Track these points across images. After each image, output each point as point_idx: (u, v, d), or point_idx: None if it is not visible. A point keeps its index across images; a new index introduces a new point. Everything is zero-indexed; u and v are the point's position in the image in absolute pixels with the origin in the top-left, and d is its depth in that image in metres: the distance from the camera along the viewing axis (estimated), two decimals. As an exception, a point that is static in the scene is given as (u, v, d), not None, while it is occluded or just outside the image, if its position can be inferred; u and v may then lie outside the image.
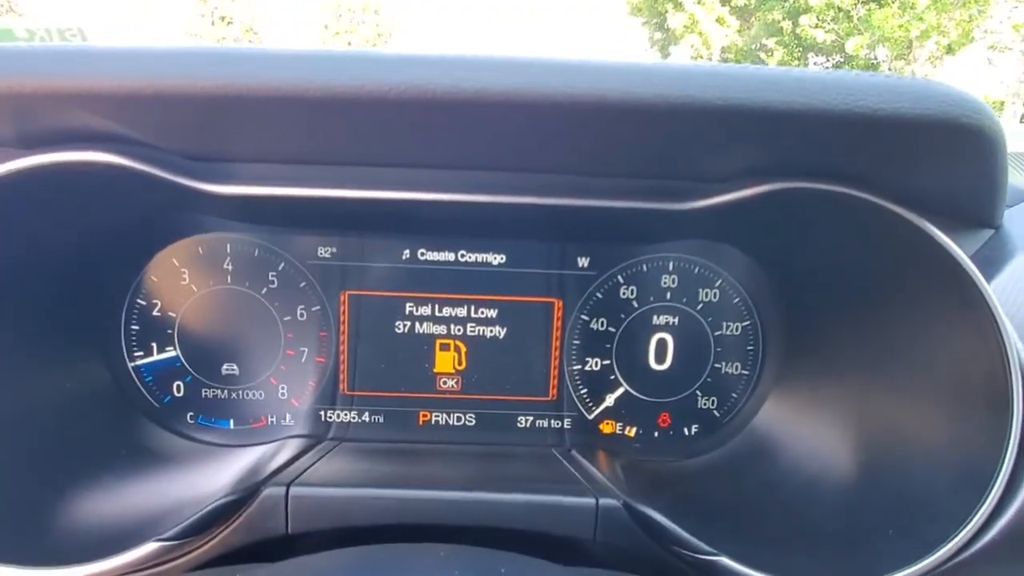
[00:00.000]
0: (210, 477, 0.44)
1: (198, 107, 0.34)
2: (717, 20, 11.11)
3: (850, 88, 0.32)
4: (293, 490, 0.38)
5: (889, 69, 9.35)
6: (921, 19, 8.81)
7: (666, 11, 11.32)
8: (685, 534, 0.37)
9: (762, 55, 10.34)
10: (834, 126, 0.33)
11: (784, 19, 10.09)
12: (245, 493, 0.38)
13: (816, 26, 9.90)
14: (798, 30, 9.99)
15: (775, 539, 0.39)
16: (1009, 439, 0.35)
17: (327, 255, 0.50)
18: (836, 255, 0.44)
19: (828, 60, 10.25)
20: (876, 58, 9.74)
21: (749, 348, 0.52)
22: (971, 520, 0.35)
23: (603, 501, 0.39)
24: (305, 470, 0.42)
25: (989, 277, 0.39)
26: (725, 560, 0.35)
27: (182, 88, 0.33)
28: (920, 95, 0.33)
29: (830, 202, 0.39)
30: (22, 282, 0.42)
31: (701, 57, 10.88)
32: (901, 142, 0.34)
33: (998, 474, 0.35)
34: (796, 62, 9.92)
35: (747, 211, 0.41)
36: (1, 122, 0.36)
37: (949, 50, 9.29)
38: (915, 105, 0.32)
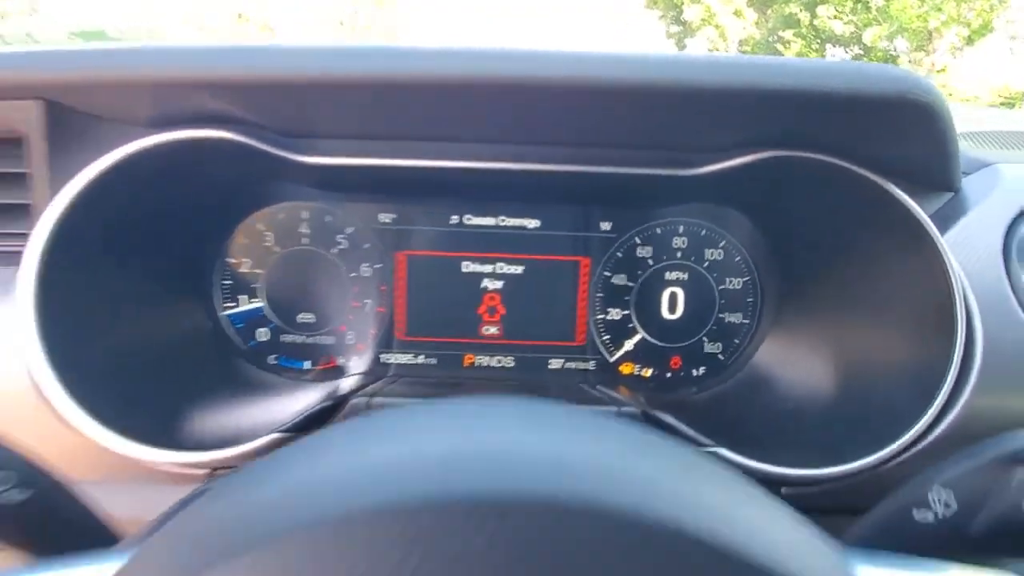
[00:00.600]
0: (299, 399, 0.53)
1: (296, 92, 0.43)
2: (735, 13, 11.11)
3: (821, 72, 0.41)
4: (374, 400, 0.47)
5: (909, 61, 9.31)
6: (940, 9, 8.76)
7: (682, 4, 11.33)
8: (691, 431, 0.45)
9: (779, 47, 10.32)
10: (809, 103, 0.41)
11: (801, 11, 10.08)
12: (336, 402, 0.47)
13: (834, 17, 9.88)
14: (816, 21, 9.97)
15: (764, 439, 0.47)
16: (952, 358, 0.44)
17: (387, 220, 0.59)
18: (819, 214, 0.52)
19: (847, 51, 10.22)
20: (895, 49, 9.70)
21: (749, 300, 0.61)
22: (920, 420, 0.43)
23: (623, 408, 0.48)
24: (379, 391, 0.51)
25: (943, 229, 0.47)
26: (722, 450, 0.44)
27: (286, 77, 0.42)
28: (877, 77, 0.41)
29: (812, 168, 0.47)
30: (146, 239, 0.51)
31: (718, 50, 10.88)
32: (864, 116, 0.42)
33: (943, 385, 0.44)
34: (814, 54, 9.89)
35: (744, 177, 0.49)
36: (141, 107, 0.45)
37: (969, 40, 9.24)
38: (872, 86, 0.40)
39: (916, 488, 0.33)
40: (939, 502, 0.32)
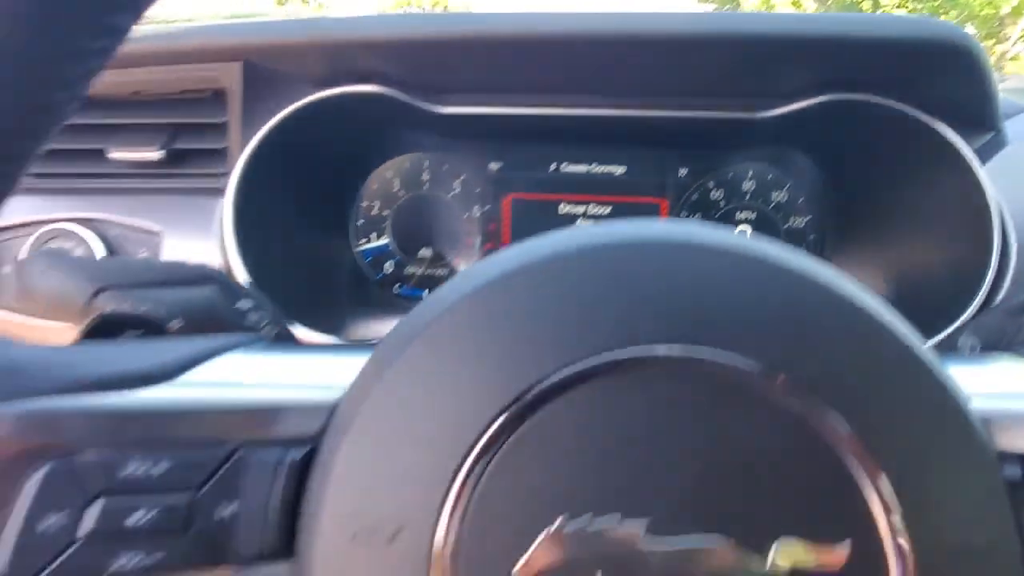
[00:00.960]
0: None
1: (442, 50, 0.54)
2: (792, 3, 10.93)
3: (874, 22, 0.49)
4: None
5: (977, 48, 8.99)
6: (1012, -6, 8.47)
7: (740, -4, 11.22)
8: None
9: (840, 37, 10.09)
10: (864, 50, 0.50)
11: (863, 0, 9.86)
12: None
13: (899, 6, 9.65)
14: (879, 11, 9.75)
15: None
16: (989, 265, 0.52)
17: (496, 168, 0.70)
18: (873, 153, 0.60)
19: (911, 40, 9.92)
20: (963, 37, 9.37)
21: (811, 237, 0.69)
22: (962, 316, 0.51)
23: None
24: None
25: (984, 160, 0.55)
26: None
27: (434, 36, 0.53)
28: (924, 25, 0.49)
29: (867, 110, 0.56)
30: (307, 181, 0.63)
31: (776, 42, 10.69)
32: (912, 60, 0.51)
33: (981, 287, 0.51)
34: (877, 43, 9.62)
35: (806, 120, 0.58)
36: (315, 66, 0.57)
37: (1043, 26, 8.90)
38: (919, 32, 0.49)
39: (950, 337, 0.42)
40: (967, 347, 0.40)
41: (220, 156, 0.58)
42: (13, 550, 0.22)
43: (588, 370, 0.22)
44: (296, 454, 0.25)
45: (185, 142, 0.58)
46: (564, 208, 0.70)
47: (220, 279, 0.37)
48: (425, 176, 0.70)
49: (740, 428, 0.22)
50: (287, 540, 0.25)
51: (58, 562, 0.22)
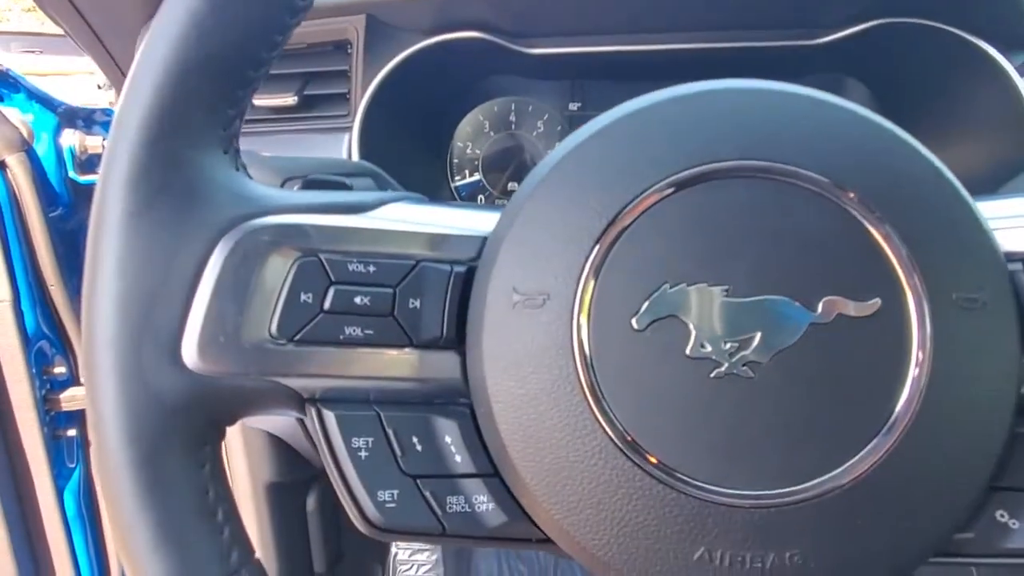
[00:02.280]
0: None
1: None
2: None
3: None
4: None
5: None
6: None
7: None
8: None
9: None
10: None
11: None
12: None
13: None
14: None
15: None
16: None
17: (575, 108, 0.78)
18: (923, 73, 0.66)
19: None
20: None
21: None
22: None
23: None
24: None
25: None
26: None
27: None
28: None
29: (917, 32, 0.62)
30: (414, 121, 0.73)
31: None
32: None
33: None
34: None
35: (859, 45, 0.64)
36: (423, 18, 0.66)
37: None
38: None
39: None
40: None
41: (343, 100, 0.68)
42: (281, 314, 0.32)
43: (696, 175, 0.31)
44: (461, 268, 0.34)
45: (313, 88, 0.68)
46: (637, 142, 0.78)
47: (376, 173, 0.47)
48: (512, 118, 0.79)
49: (799, 222, 0.30)
50: (456, 333, 0.34)
51: (310, 325, 0.32)
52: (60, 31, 0.80)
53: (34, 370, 0.95)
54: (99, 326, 0.30)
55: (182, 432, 0.31)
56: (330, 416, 0.32)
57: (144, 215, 0.30)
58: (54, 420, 1.00)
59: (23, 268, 0.92)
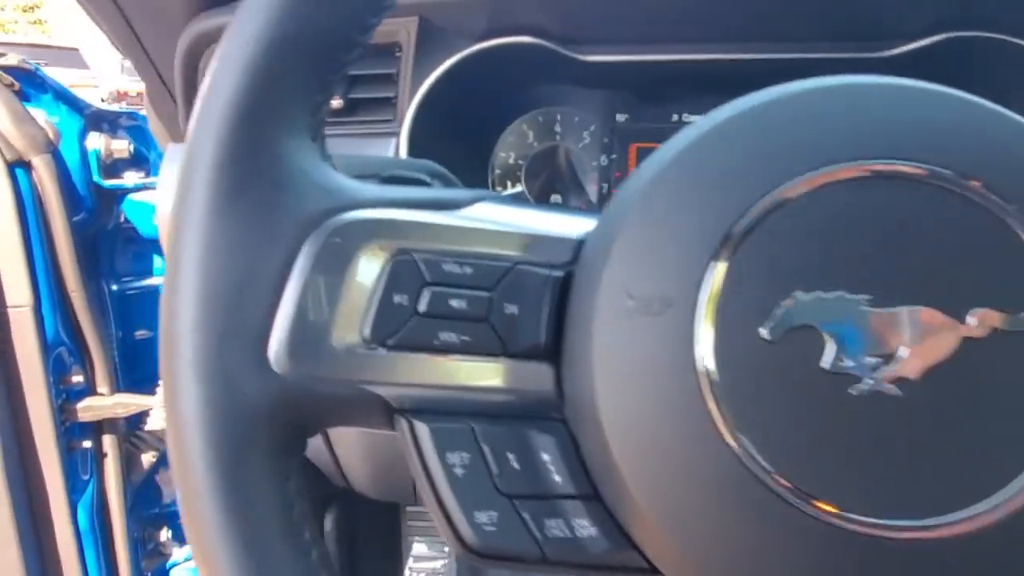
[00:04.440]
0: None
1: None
2: None
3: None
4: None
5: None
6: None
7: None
8: None
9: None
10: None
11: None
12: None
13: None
14: None
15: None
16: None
17: (622, 119, 0.76)
18: (992, 89, 0.64)
19: None
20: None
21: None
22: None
23: None
24: None
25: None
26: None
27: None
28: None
29: (987, 46, 0.60)
30: (459, 128, 0.70)
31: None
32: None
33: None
34: None
35: (927, 59, 0.62)
36: (475, 21, 0.64)
37: None
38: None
39: None
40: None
41: (389, 104, 0.66)
42: (375, 316, 0.29)
43: (834, 174, 0.28)
44: (558, 272, 0.32)
45: (359, 92, 0.66)
46: (685, 155, 0.76)
47: (444, 174, 0.45)
48: (557, 128, 0.77)
49: (942, 224, 0.28)
50: (552, 342, 0.31)
51: (404, 329, 0.30)
52: (65, 44, 0.78)
53: (51, 378, 0.92)
54: (181, 320, 0.27)
55: (267, 440, 0.28)
56: (423, 429, 0.30)
57: (232, 202, 0.28)
58: (69, 431, 0.97)
59: (45, 272, 0.89)
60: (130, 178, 1.02)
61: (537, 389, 0.32)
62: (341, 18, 0.31)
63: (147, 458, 1.12)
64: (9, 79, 0.87)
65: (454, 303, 0.30)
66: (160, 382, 0.29)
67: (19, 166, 0.86)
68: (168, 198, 0.68)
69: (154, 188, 1.04)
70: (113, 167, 1.01)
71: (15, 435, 0.89)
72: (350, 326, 0.29)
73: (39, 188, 0.88)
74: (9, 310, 0.86)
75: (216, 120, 0.29)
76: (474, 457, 0.30)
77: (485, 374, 0.31)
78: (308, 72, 0.30)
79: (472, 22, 0.64)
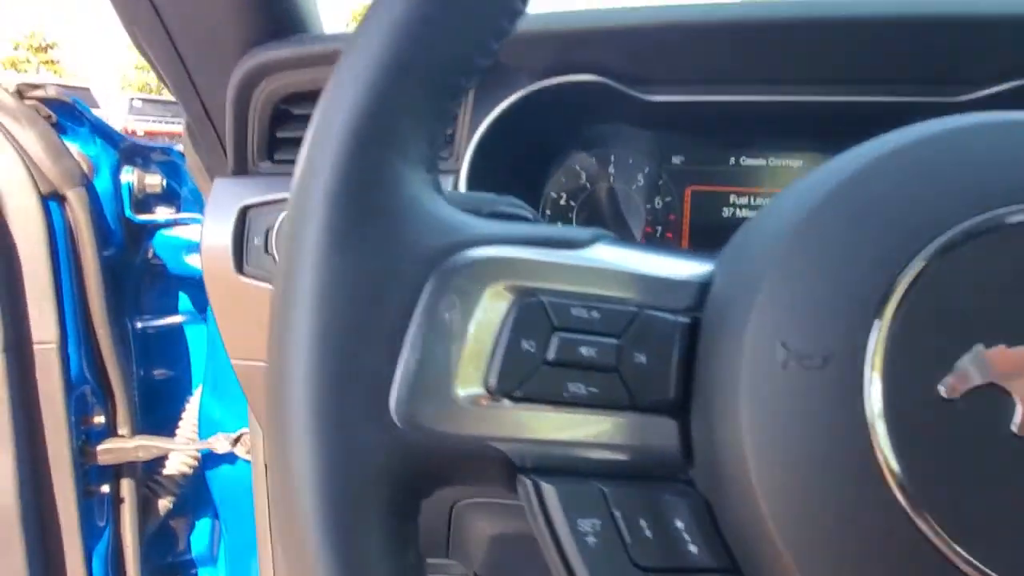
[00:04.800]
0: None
1: (657, 37, 0.60)
2: None
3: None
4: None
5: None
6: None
7: None
8: None
9: None
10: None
11: None
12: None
13: None
14: None
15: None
16: None
17: (678, 161, 0.74)
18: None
19: None
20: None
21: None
22: None
23: None
24: None
25: None
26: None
27: (654, 23, 0.58)
28: None
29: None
30: (516, 165, 0.69)
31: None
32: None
33: None
34: None
35: (1002, 104, 0.61)
36: (536, 58, 0.63)
37: None
38: None
39: None
40: None
41: (447, 141, 0.64)
42: (502, 364, 0.26)
43: (989, 222, 0.26)
44: (684, 319, 0.29)
45: (415, 129, 0.65)
46: (739, 200, 0.74)
47: (530, 211, 0.42)
48: (611, 169, 0.75)
49: None
50: (681, 395, 0.29)
51: (531, 380, 0.27)
52: (75, 83, 0.76)
53: (73, 419, 0.88)
54: (293, 364, 0.25)
55: (385, 501, 0.25)
56: (551, 491, 0.27)
57: (349, 237, 0.26)
58: (87, 474, 0.93)
59: (72, 309, 0.87)
60: (161, 213, 1.00)
61: (663, 446, 0.29)
62: (464, 41, 0.29)
63: (163, 503, 1.08)
64: (47, 111, 0.86)
65: (584, 351, 0.27)
66: (266, 436, 0.26)
67: (53, 199, 0.84)
68: (216, 232, 0.66)
69: (186, 224, 1.02)
70: (144, 202, 0.99)
71: (33, 479, 0.85)
72: (474, 374, 0.26)
73: (71, 222, 0.86)
74: (35, 347, 0.83)
75: (332, 149, 0.26)
76: (606, 524, 0.27)
77: (613, 430, 0.28)
78: (426, 97, 0.28)
79: (536, 58, 0.62)
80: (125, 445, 0.94)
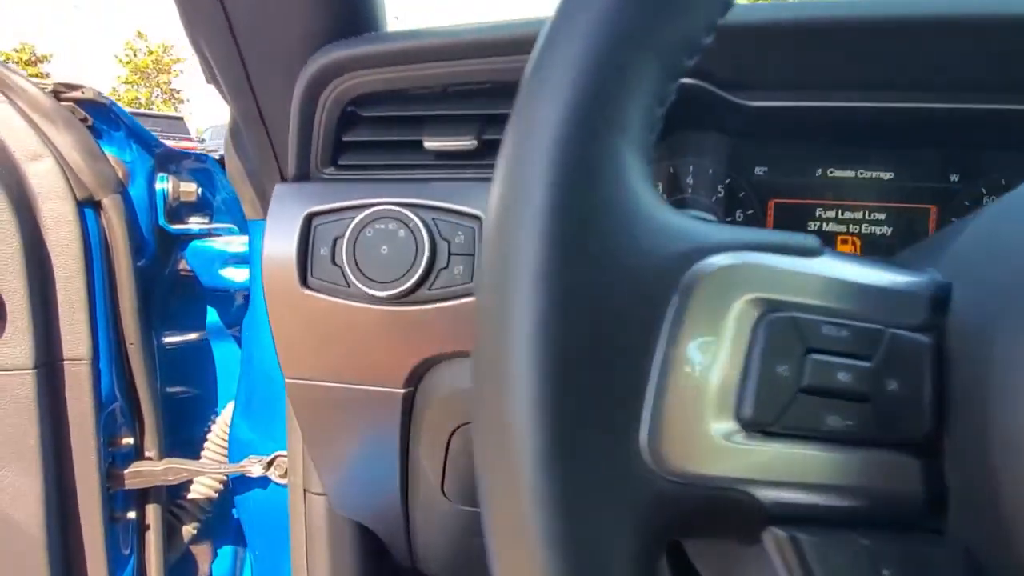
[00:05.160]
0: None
1: (759, 40, 0.56)
2: None
3: None
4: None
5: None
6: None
7: None
8: None
9: None
10: None
11: None
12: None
13: None
14: None
15: None
16: None
17: (760, 173, 0.71)
18: None
19: None
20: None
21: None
22: None
23: None
24: None
25: None
26: None
27: (756, 23, 0.55)
28: None
29: None
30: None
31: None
32: None
33: None
34: None
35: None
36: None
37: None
38: None
39: None
40: None
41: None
42: (757, 391, 0.22)
43: None
44: (927, 338, 0.25)
45: (495, 132, 0.61)
46: (826, 214, 0.70)
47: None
48: (689, 180, 0.71)
49: None
50: (934, 429, 0.24)
51: (788, 411, 0.22)
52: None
53: (102, 439, 0.83)
54: (519, 398, 0.20)
55: (632, 557, 0.20)
56: (811, 544, 0.22)
57: (577, 239, 0.21)
58: (113, 499, 0.87)
59: (105, 324, 0.82)
60: (194, 222, 0.95)
61: (912, 490, 0.24)
62: (697, 15, 0.25)
63: (187, 530, 1.02)
64: (83, 113, 0.81)
65: (841, 377, 0.23)
66: (485, 478, 0.21)
67: (88, 206, 0.79)
68: (279, 241, 0.61)
69: (220, 235, 0.97)
70: (177, 211, 0.94)
71: (60, 506, 0.79)
72: (725, 404, 0.22)
73: (106, 231, 0.81)
74: (65, 363, 0.78)
75: (549, 134, 0.22)
76: None
77: (865, 470, 0.24)
78: (659, 77, 0.24)
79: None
80: (154, 468, 0.88)
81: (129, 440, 0.87)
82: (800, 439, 0.23)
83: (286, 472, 0.90)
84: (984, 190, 0.68)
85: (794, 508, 0.23)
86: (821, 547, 0.22)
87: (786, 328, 0.23)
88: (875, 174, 0.70)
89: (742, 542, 0.24)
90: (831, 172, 0.70)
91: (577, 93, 0.22)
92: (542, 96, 0.23)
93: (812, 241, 0.26)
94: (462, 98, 0.61)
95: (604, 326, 0.21)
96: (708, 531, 0.24)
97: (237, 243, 0.96)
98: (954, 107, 0.60)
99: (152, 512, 0.92)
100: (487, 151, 0.61)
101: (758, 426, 0.22)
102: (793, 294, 0.24)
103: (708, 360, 0.22)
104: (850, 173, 0.70)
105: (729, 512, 0.23)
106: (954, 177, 0.69)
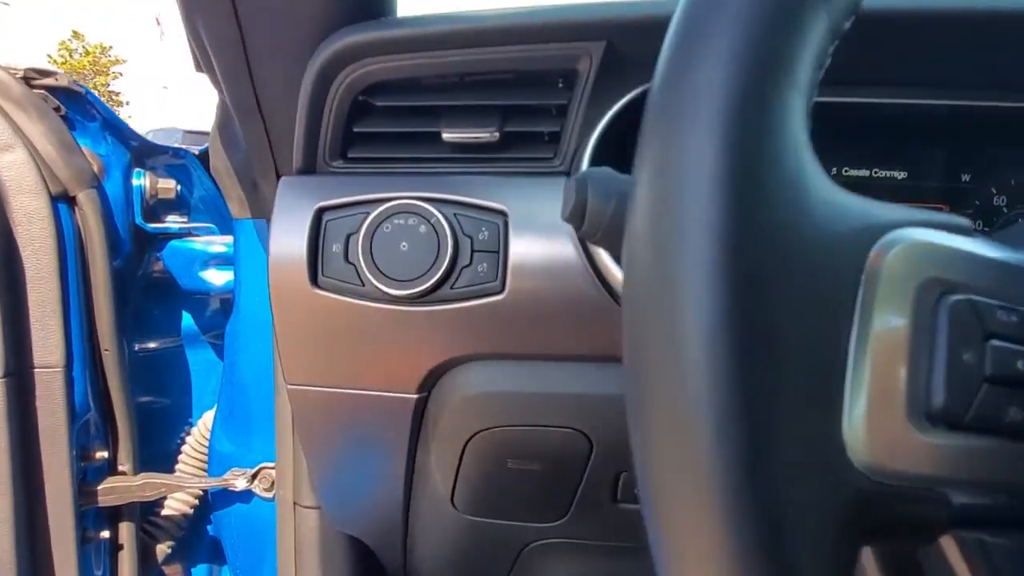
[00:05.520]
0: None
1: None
2: None
3: None
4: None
5: None
6: None
7: None
8: None
9: None
10: None
11: None
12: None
13: None
14: None
15: None
16: None
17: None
18: None
19: None
20: None
21: (1096, 244, 0.68)
22: None
23: None
24: None
25: None
26: None
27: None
28: None
29: None
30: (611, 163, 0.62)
31: None
32: None
33: None
34: None
35: None
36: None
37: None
38: None
39: None
40: None
41: (543, 140, 0.58)
42: (947, 381, 0.20)
43: None
44: None
45: (516, 124, 0.58)
46: (843, 212, 0.70)
47: None
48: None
49: None
50: None
51: (976, 402, 0.20)
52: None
53: (74, 453, 0.77)
54: (699, 400, 0.18)
55: (830, 559, 0.18)
56: (1002, 549, 0.20)
57: (749, 224, 0.19)
58: (84, 518, 0.81)
59: (79, 328, 0.76)
60: (173, 221, 0.90)
61: None
62: None
63: (161, 548, 0.95)
64: (56, 102, 0.76)
65: (1020, 365, 0.21)
66: (660, 492, 0.18)
67: (63, 201, 0.73)
68: (287, 238, 0.57)
69: (199, 234, 0.92)
70: (154, 209, 0.88)
71: (29, 526, 0.72)
72: (916, 396, 0.20)
73: (81, 228, 0.75)
74: (36, 371, 0.72)
75: (717, 90, 0.20)
76: None
77: None
78: (828, 28, 0.22)
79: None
80: (129, 484, 0.82)
81: (103, 453, 0.81)
82: (987, 433, 0.21)
83: (272, 485, 0.86)
84: (994, 189, 0.69)
85: (978, 509, 0.21)
86: (1013, 554, 0.20)
87: (966, 312, 0.21)
88: (890, 173, 0.69)
89: (919, 545, 0.22)
90: (846, 171, 0.70)
91: (753, 47, 0.20)
92: (705, 52, 0.20)
93: (966, 221, 0.25)
94: (483, 88, 0.59)
95: (792, 320, 0.19)
96: (891, 534, 0.22)
97: (218, 243, 0.91)
98: (966, 104, 0.61)
99: (126, 530, 0.86)
100: (509, 144, 0.58)
101: (950, 418, 0.20)
102: (967, 276, 0.22)
103: (901, 351, 0.20)
104: (865, 172, 0.70)
105: (914, 512, 0.21)
106: (966, 177, 0.69)
